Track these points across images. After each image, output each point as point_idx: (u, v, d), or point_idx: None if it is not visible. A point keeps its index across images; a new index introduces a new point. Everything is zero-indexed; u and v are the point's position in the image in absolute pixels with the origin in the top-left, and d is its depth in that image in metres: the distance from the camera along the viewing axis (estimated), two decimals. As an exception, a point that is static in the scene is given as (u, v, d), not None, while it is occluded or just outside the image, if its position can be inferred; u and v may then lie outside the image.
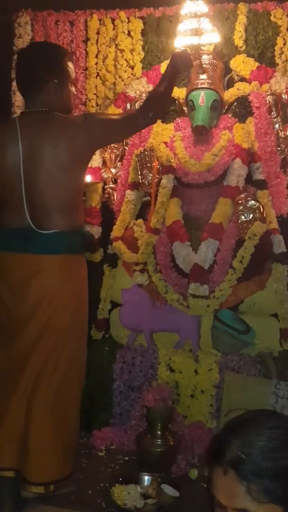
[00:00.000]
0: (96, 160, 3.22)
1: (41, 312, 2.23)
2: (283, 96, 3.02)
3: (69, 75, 2.39)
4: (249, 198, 2.93)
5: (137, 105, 3.16)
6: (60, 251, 2.26)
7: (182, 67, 2.53)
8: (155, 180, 3.06)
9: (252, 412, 1.18)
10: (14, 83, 3.34)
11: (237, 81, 3.11)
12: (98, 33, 3.33)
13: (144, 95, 3.16)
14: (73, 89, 2.46)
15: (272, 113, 3.03)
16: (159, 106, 2.46)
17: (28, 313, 2.24)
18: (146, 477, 2.38)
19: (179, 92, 3.14)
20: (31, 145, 2.23)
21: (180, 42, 2.83)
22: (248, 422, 1.12)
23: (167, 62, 3.07)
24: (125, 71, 3.30)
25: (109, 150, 3.25)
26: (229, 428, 1.13)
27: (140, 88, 3.20)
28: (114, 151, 3.26)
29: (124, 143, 3.24)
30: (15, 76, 2.42)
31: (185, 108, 3.11)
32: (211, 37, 2.83)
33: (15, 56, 2.56)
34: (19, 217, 2.23)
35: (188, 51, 2.68)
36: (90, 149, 2.38)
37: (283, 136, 3.02)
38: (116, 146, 3.25)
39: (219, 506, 1.09)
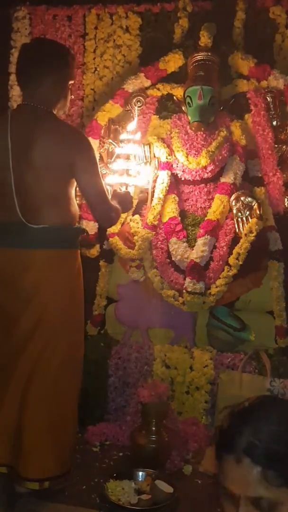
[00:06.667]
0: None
1: (33, 307, 2.21)
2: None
3: (71, 76, 2.35)
4: (246, 195, 2.93)
5: (133, 102, 3.15)
6: (51, 246, 2.23)
7: (123, 209, 2.54)
8: (152, 177, 3.05)
9: (254, 400, 1.19)
10: (12, 77, 3.33)
11: (235, 78, 3.11)
12: (96, 28, 3.33)
13: (141, 91, 3.15)
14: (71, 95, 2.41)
15: (270, 111, 3.03)
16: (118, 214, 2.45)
17: (20, 308, 2.22)
18: (140, 473, 2.38)
19: (176, 91, 3.13)
20: (20, 139, 2.19)
21: (114, 179, 2.77)
22: (254, 410, 1.14)
23: (165, 58, 3.10)
24: (123, 67, 3.29)
25: (106, 146, 3.24)
26: (237, 416, 1.14)
27: (138, 84, 3.18)
28: (111, 146, 3.24)
29: (120, 139, 3.23)
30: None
31: (183, 108, 3.10)
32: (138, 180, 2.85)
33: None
34: (9, 211, 2.21)
35: (130, 194, 2.64)
36: (66, 167, 2.22)
37: (280, 133, 3.02)
38: (113, 141, 3.23)
39: (231, 497, 1.10)
